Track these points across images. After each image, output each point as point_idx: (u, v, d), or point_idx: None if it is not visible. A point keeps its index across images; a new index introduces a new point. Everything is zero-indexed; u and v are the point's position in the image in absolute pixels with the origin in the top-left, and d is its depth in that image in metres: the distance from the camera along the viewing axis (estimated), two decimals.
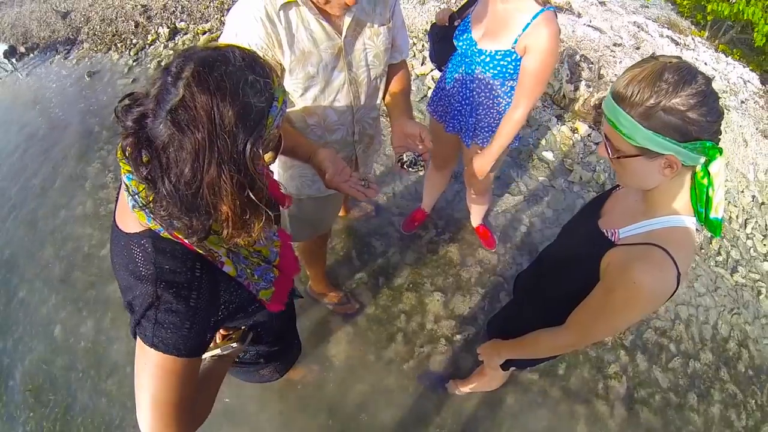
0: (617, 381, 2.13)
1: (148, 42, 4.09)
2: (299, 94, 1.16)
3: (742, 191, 3.30)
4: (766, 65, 5.26)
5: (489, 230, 2.41)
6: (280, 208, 1.04)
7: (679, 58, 0.74)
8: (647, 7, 5.21)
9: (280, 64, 1.09)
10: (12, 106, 3.88)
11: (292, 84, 1.13)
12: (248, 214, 0.63)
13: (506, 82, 1.50)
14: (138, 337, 0.69)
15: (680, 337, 2.40)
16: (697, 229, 0.82)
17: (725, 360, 2.40)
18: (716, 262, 2.84)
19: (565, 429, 1.96)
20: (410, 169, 1.12)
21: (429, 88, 3.33)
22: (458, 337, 2.12)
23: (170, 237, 0.66)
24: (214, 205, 0.59)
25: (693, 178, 0.77)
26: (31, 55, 4.60)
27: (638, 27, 4.42)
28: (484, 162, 1.64)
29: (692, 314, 2.52)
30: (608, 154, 0.80)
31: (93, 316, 2.22)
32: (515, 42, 1.38)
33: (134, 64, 3.89)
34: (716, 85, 4.04)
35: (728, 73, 4.23)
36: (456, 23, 1.60)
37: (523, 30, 1.35)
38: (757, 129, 3.73)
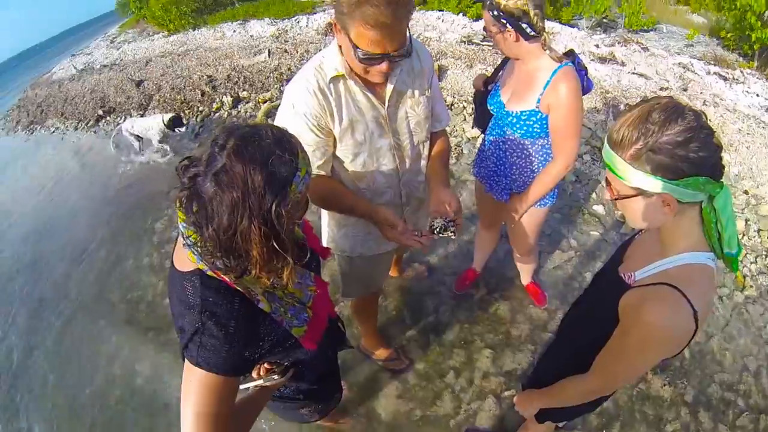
0: None
1: (213, 109, 4.56)
2: (350, 159, 1.26)
3: None
4: None
5: (539, 287, 2.35)
6: (321, 261, 1.16)
7: (671, 97, 0.75)
8: (692, 45, 5.09)
9: (332, 132, 1.19)
10: (88, 167, 4.36)
11: (342, 151, 1.24)
12: (275, 260, 0.75)
13: (536, 141, 1.53)
14: (185, 357, 0.81)
15: (749, 391, 2.14)
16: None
17: None
18: None
19: None
20: (440, 235, 1.17)
21: None
22: (506, 393, 2.04)
23: (215, 275, 0.78)
24: (246, 249, 0.71)
25: (701, 214, 0.77)
26: (108, 118, 5.20)
27: (684, 68, 4.34)
28: (519, 206, 1.63)
29: (761, 365, 2.26)
30: (610, 196, 0.83)
31: (150, 358, 2.40)
32: (538, 101, 1.42)
33: (201, 129, 4.32)
34: None
35: None
36: (489, 87, 1.68)
37: (544, 88, 1.39)
38: None
